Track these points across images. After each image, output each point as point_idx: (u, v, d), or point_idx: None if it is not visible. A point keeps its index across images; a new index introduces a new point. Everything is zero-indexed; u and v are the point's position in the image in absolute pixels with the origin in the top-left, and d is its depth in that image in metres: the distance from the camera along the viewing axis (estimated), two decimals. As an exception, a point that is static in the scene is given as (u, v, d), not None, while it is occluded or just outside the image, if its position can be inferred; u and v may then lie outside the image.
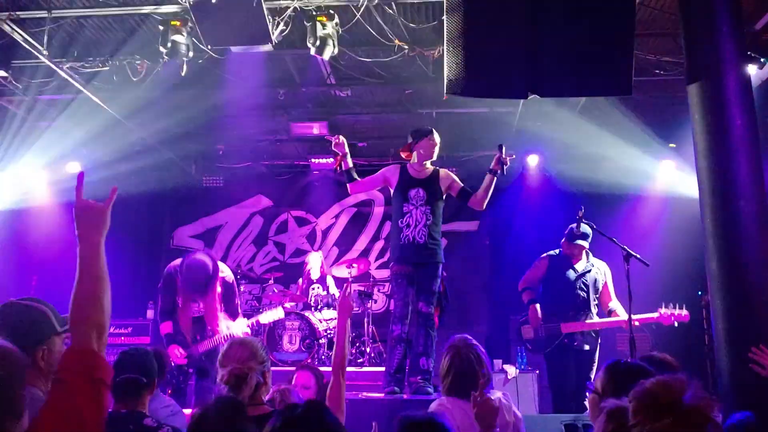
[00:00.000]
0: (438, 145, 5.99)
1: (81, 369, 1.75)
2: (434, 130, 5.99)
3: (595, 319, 6.40)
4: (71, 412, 1.69)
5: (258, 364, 3.18)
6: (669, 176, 9.14)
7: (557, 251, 6.65)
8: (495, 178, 5.73)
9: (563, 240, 6.58)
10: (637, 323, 6.04)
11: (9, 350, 1.79)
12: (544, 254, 6.72)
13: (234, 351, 3.22)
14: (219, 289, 6.09)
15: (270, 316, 6.83)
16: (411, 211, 5.88)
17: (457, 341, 3.60)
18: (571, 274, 6.48)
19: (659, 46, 6.83)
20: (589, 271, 6.52)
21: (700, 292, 7.63)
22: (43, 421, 1.69)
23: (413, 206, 5.88)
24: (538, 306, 6.43)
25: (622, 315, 6.24)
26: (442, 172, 6.05)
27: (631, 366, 2.67)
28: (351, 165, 6.04)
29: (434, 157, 6.00)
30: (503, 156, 5.66)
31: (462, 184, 6.00)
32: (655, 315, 6.29)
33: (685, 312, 6.23)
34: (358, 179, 6.10)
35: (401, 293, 5.85)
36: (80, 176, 2.02)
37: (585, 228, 6.39)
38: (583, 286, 6.47)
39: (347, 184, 6.12)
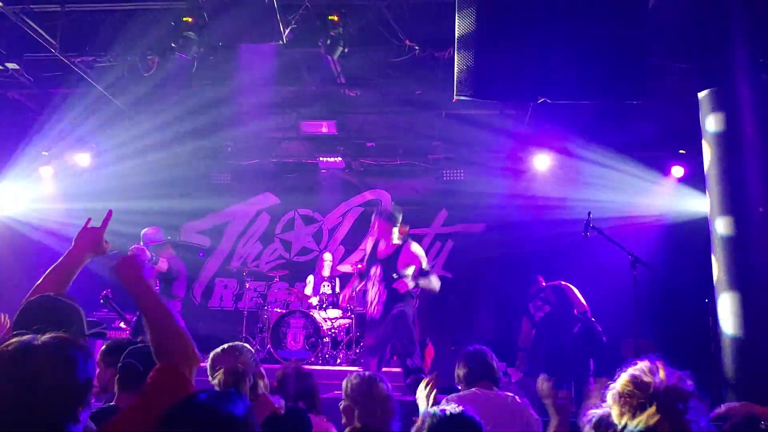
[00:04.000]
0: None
1: (168, 388, 1.86)
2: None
3: None
4: (149, 423, 1.77)
5: (249, 361, 3.21)
6: (677, 182, 9.10)
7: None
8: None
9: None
10: None
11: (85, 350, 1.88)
12: None
13: (222, 356, 3.24)
14: None
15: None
16: (369, 288, 6.18)
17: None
18: None
19: (671, 51, 6.80)
20: None
21: (707, 299, 7.61)
22: (119, 423, 1.82)
23: (372, 284, 6.17)
24: None
25: None
26: (412, 246, 6.21)
27: None
28: None
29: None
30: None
31: (423, 266, 6.17)
32: None
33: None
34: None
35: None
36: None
37: None
38: None
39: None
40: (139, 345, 3.48)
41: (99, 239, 2.79)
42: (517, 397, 3.57)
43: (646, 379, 1.80)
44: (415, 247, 6.22)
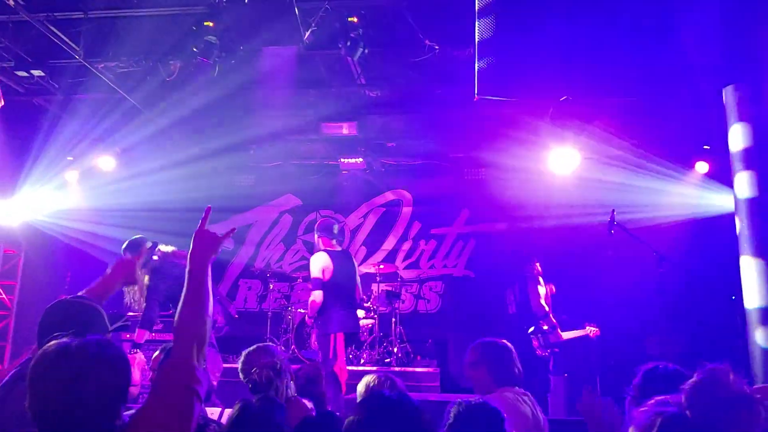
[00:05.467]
0: None
1: (180, 379, 1.92)
2: None
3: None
4: (165, 417, 1.86)
5: (285, 360, 3.27)
6: (702, 178, 8.99)
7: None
8: None
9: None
10: None
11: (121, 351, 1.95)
12: None
13: (257, 354, 3.28)
14: None
15: None
16: None
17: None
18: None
19: (694, 45, 6.71)
20: None
21: (733, 297, 7.50)
22: (139, 421, 1.86)
23: None
24: None
25: None
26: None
27: (669, 371, 2.65)
28: None
29: None
30: None
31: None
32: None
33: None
34: None
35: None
36: (207, 210, 2.36)
37: None
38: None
39: None
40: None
41: (132, 271, 2.98)
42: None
43: (724, 378, 1.79)
44: (312, 258, 6.59)
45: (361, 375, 7.90)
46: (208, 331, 2.04)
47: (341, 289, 6.44)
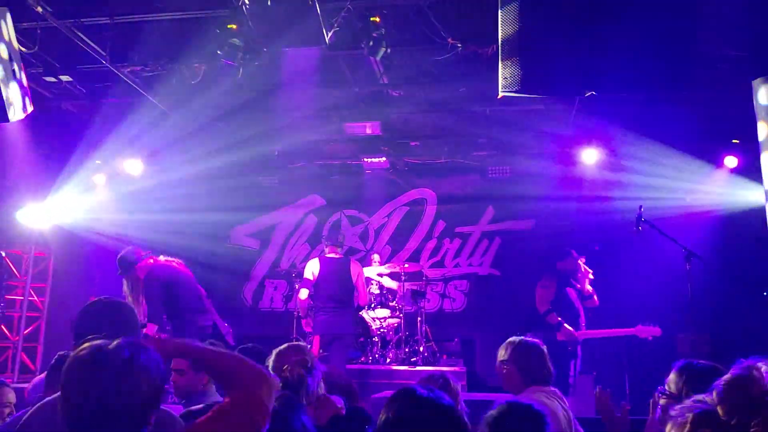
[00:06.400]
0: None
1: (255, 422, 1.87)
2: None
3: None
4: None
5: (314, 359, 3.28)
6: (731, 173, 8.85)
7: None
8: None
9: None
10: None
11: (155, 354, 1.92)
12: None
13: (288, 353, 3.29)
14: None
15: None
16: None
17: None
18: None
19: (722, 38, 6.61)
20: None
21: (765, 293, 7.38)
22: None
23: None
24: None
25: None
26: None
27: (706, 367, 2.60)
28: None
29: None
30: None
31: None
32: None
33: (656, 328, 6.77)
34: None
35: None
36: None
37: None
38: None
39: None
40: (248, 346, 3.67)
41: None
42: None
43: (757, 376, 1.75)
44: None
45: (387, 374, 7.94)
46: (253, 368, 1.98)
47: (326, 293, 7.18)
